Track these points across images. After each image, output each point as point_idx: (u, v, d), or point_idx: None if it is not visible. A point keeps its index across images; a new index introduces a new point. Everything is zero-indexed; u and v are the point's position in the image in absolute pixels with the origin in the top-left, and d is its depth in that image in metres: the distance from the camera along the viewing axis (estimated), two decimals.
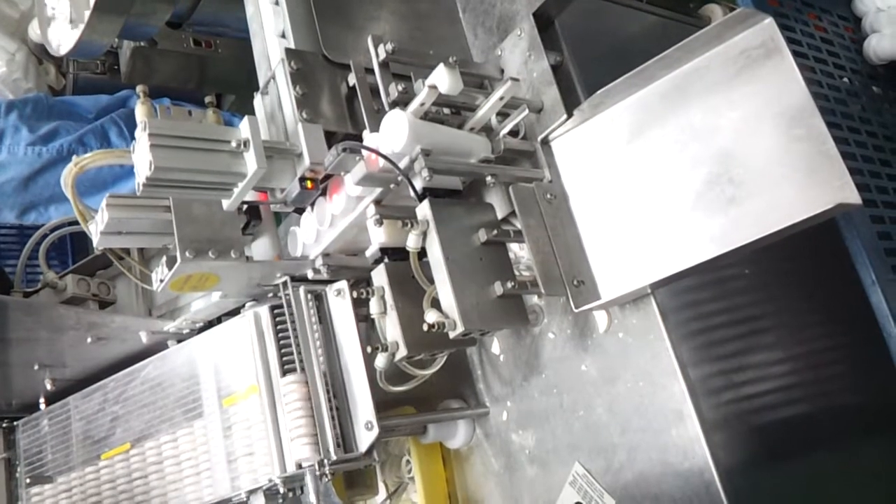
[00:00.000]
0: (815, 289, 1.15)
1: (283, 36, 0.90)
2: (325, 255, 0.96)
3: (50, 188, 1.69)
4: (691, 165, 0.76)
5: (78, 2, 1.73)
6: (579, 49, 0.98)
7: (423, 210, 0.80)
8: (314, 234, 0.94)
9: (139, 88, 0.85)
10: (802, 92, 0.71)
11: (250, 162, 0.78)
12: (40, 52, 2.18)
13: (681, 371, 0.78)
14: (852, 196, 0.66)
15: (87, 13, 1.52)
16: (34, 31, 2.14)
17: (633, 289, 0.76)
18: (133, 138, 1.91)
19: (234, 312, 1.04)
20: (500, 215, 0.90)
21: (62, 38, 1.68)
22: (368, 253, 0.91)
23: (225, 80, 2.63)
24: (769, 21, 0.74)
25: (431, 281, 0.81)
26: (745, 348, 1.09)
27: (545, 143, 0.90)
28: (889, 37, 1.14)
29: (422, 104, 0.80)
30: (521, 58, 0.93)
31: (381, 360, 0.84)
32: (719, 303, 1.10)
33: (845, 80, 1.06)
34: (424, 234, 0.80)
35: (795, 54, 1.02)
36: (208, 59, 2.45)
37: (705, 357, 1.03)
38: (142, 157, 0.74)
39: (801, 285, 1.14)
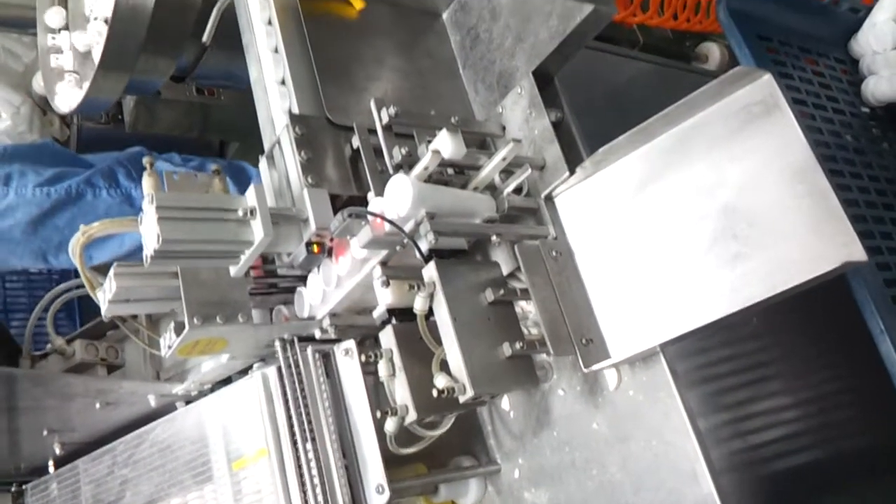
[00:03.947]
0: (822, 334, 1.15)
1: (289, 107, 0.91)
2: (333, 314, 0.96)
3: (59, 232, 1.68)
4: (695, 221, 0.77)
5: (82, 60, 1.75)
6: (579, 102, 0.98)
7: (430, 272, 0.81)
8: (321, 294, 0.94)
9: (145, 160, 0.86)
10: (804, 148, 0.71)
11: (257, 230, 0.78)
12: (44, 104, 2.21)
13: (693, 430, 0.77)
14: (858, 253, 0.67)
15: (92, 72, 1.54)
16: (38, 83, 2.17)
17: (643, 349, 0.76)
18: (135, 185, 1.92)
19: (245, 370, 1.04)
20: (505, 271, 0.90)
21: (67, 96, 1.70)
22: (376, 314, 0.91)
23: (228, 127, 2.66)
24: (768, 77, 0.75)
25: (440, 342, 0.81)
26: (754, 396, 1.09)
27: (549, 199, 0.90)
28: (887, 79, 1.15)
29: (425, 168, 0.80)
30: (522, 115, 0.94)
31: (390, 425, 0.84)
32: (727, 349, 1.10)
33: (845, 124, 1.07)
34: (431, 296, 0.80)
35: (795, 101, 1.05)
36: (211, 107, 2.47)
37: (714, 406, 1.03)
38: (149, 230, 0.74)
39: (808, 331, 1.14)
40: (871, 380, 0.99)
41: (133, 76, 1.58)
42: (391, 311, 0.87)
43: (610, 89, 1.15)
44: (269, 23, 0.97)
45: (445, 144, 0.78)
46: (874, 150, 1.08)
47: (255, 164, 2.35)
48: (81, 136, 2.30)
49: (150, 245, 0.74)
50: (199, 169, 1.79)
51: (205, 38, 0.90)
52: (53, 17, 1.81)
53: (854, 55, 1.22)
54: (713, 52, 1.86)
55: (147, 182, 0.85)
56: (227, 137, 2.87)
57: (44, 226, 1.69)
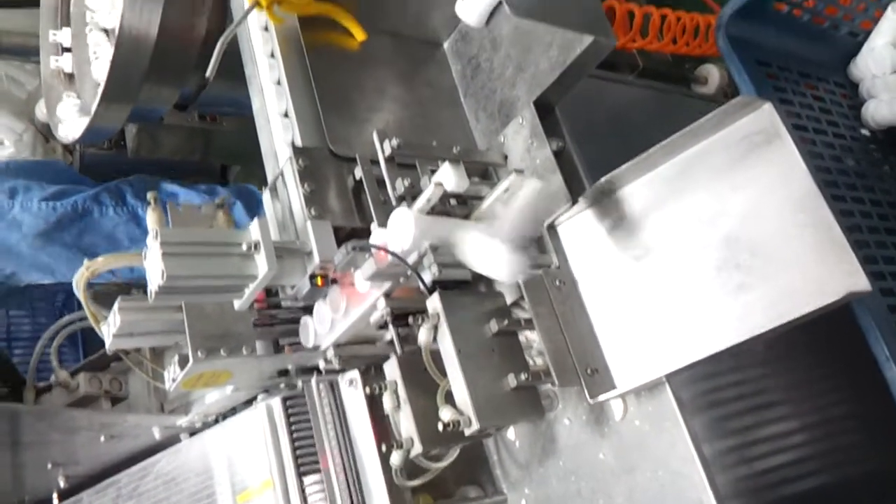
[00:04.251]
0: (827, 359, 1.14)
1: (292, 139, 0.91)
2: (337, 345, 0.96)
3: (67, 248, 1.68)
4: (699, 251, 0.77)
5: (85, 91, 1.77)
6: (579, 129, 0.99)
7: (434, 303, 0.81)
8: (328, 324, 0.94)
9: (150, 195, 0.87)
10: (806, 177, 0.71)
11: (261, 265, 0.79)
12: (47, 131, 2.23)
13: (699, 458, 0.77)
14: (862, 283, 0.66)
15: (96, 102, 1.55)
16: (41, 110, 2.18)
17: (649, 380, 0.76)
18: (142, 204, 1.91)
19: (249, 401, 1.03)
20: (509, 300, 0.90)
21: (70, 126, 1.71)
22: (373, 319, 0.91)
23: (230, 152, 2.66)
24: (768, 107, 0.75)
25: (444, 374, 0.80)
26: (759, 421, 1.08)
27: (551, 228, 0.90)
28: (887, 103, 1.16)
29: (428, 200, 0.81)
30: (523, 145, 0.95)
31: (396, 458, 0.84)
32: (732, 374, 1.10)
33: (846, 148, 1.07)
34: (435, 328, 0.80)
35: (795, 127, 1.05)
36: (213, 132, 2.48)
37: (719, 432, 1.02)
38: (154, 266, 0.75)
39: (813, 355, 1.14)
40: (878, 405, 0.99)
41: (137, 105, 1.59)
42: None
43: (611, 116, 1.15)
44: (272, 55, 0.97)
45: (448, 177, 0.79)
46: (876, 175, 1.09)
47: (260, 187, 2.36)
48: (84, 161, 2.31)
49: (155, 281, 0.74)
50: (210, 194, 1.79)
51: (208, 73, 0.90)
52: (57, 40, 1.83)
53: (853, 79, 1.23)
54: (713, 75, 1.86)
55: (151, 217, 0.85)
56: (229, 161, 2.88)
57: (51, 240, 1.68)
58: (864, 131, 1.18)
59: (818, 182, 0.72)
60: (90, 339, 1.86)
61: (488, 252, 0.77)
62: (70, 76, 1.78)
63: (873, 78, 1.19)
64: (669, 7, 1.52)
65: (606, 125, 1.11)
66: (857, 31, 1.20)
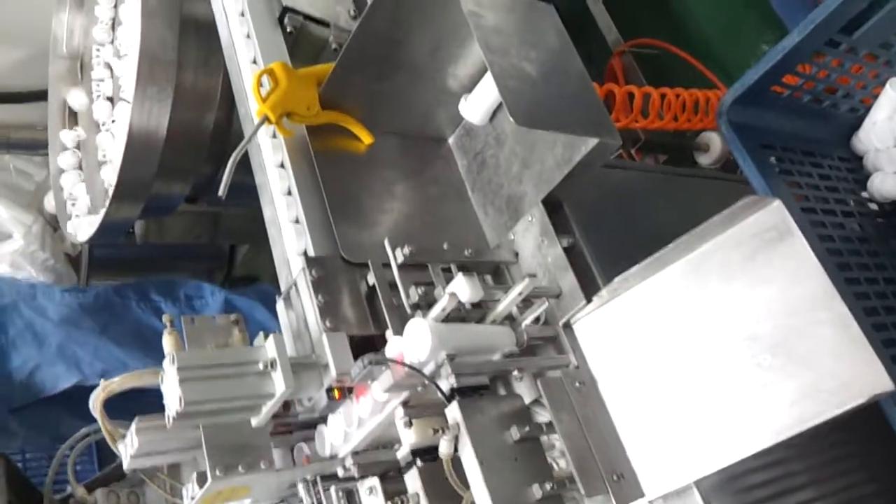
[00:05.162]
0: (855, 436, 1.12)
1: (304, 249, 0.92)
2: (355, 453, 0.95)
3: (95, 335, 1.66)
4: (718, 350, 0.76)
5: (95, 191, 1.79)
6: (587, 221, 0.99)
7: (453, 412, 0.80)
8: (343, 435, 0.93)
9: (165, 318, 0.87)
10: (820, 274, 0.71)
11: (278, 383, 0.78)
12: (55, 221, 2.25)
13: None
14: (884, 384, 0.66)
15: (107, 202, 1.57)
16: (49, 202, 2.20)
17: (678, 487, 0.75)
18: (165, 300, 1.91)
19: None
20: (527, 399, 0.89)
21: (81, 226, 1.73)
22: (400, 455, 0.90)
23: (238, 233, 2.69)
24: (777, 204, 0.75)
25: (467, 485, 0.79)
26: (781, 491, 1.05)
27: (567, 326, 0.90)
28: (892, 176, 1.16)
29: (443, 309, 0.81)
30: (534, 243, 0.95)
31: None
32: (759, 459, 1.07)
33: (855, 226, 1.07)
34: (456, 438, 0.79)
35: (804, 210, 1.05)
36: (220, 215, 2.50)
37: None
38: (171, 391, 0.75)
39: (841, 433, 1.12)
40: None
41: (148, 202, 1.61)
42: (415, 452, 0.86)
43: (617, 202, 1.16)
44: (282, 165, 0.99)
45: (463, 289, 0.79)
46: (887, 251, 1.08)
47: (266, 269, 2.35)
48: (93, 249, 2.32)
49: (173, 407, 0.74)
50: (229, 307, 1.78)
51: (221, 192, 0.91)
52: (66, 137, 1.86)
53: (857, 152, 1.24)
54: (714, 142, 1.88)
55: (167, 340, 0.85)
56: (236, 241, 2.90)
57: (77, 327, 1.67)
58: (872, 205, 1.19)
59: (833, 276, 0.71)
60: (105, 447, 1.84)
61: None
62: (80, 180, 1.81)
63: (876, 151, 1.20)
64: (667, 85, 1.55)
65: (613, 212, 1.11)
66: (858, 108, 1.22)
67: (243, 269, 2.92)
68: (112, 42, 1.73)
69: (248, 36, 1.13)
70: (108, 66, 1.74)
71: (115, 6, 1.71)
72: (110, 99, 1.75)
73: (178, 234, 2.57)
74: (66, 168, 1.83)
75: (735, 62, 1.86)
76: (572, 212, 1.00)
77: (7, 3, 2.15)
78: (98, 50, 1.76)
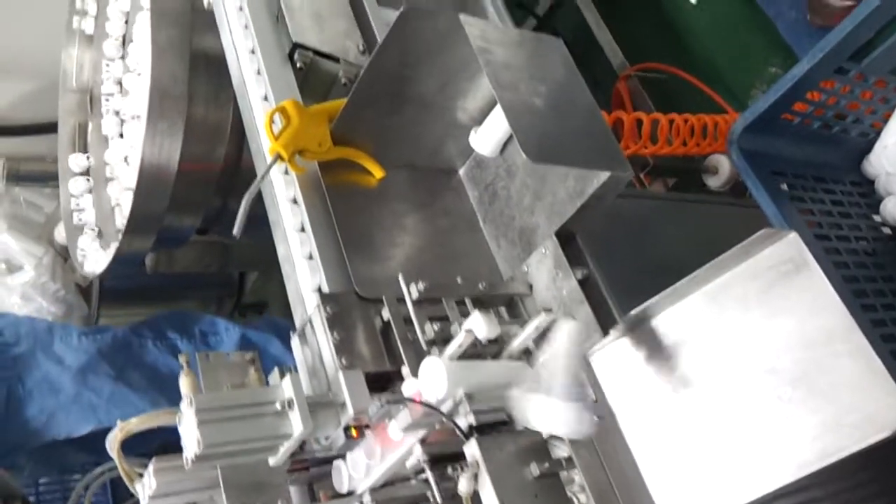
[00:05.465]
0: (873, 460, 1.11)
1: (319, 285, 0.92)
2: (373, 489, 0.94)
3: (111, 381, 1.67)
4: (739, 383, 0.76)
5: (106, 225, 1.80)
6: (600, 252, 0.99)
7: (472, 450, 0.79)
8: (363, 470, 0.93)
9: (182, 359, 0.87)
10: (838, 306, 0.71)
11: (296, 423, 0.78)
12: (65, 252, 2.26)
13: None
14: None
15: (119, 237, 1.58)
16: (60, 233, 2.21)
17: None
18: (180, 337, 1.92)
19: None
20: (545, 434, 0.89)
21: (93, 260, 1.74)
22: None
23: (247, 260, 2.69)
24: (793, 236, 0.75)
25: None
26: None
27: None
28: None
29: (459, 346, 0.81)
30: (548, 275, 0.95)
31: None
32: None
33: (870, 252, 1.07)
34: (475, 476, 0.79)
35: (817, 237, 1.05)
36: (230, 245, 2.51)
37: None
38: (190, 433, 0.74)
39: (860, 457, 1.10)
40: None
41: (160, 233, 1.62)
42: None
43: (629, 231, 1.16)
44: (295, 201, 0.99)
45: (480, 326, 0.79)
46: None
47: (276, 295, 2.35)
48: (103, 280, 2.33)
49: (192, 449, 0.74)
50: (244, 342, 1.79)
51: (235, 231, 0.91)
52: (75, 162, 1.87)
53: (868, 176, 1.24)
54: (723, 165, 1.88)
55: (184, 382, 0.85)
56: (246, 269, 2.91)
57: (94, 373, 1.68)
58: (885, 229, 1.18)
59: (850, 304, 0.71)
60: (119, 481, 1.83)
61: (550, 413, 0.77)
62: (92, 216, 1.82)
63: (888, 175, 1.20)
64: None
65: (625, 242, 1.12)
66: (868, 132, 1.22)
67: (253, 296, 2.92)
68: (122, 58, 1.75)
69: (259, 73, 1.13)
70: (119, 83, 1.75)
71: (124, 44, 1.73)
72: (117, 113, 1.76)
73: (187, 264, 2.57)
74: (77, 193, 1.84)
75: (742, 85, 1.87)
76: (585, 243, 1.00)
77: (14, 37, 2.18)
78: (108, 65, 1.77)
